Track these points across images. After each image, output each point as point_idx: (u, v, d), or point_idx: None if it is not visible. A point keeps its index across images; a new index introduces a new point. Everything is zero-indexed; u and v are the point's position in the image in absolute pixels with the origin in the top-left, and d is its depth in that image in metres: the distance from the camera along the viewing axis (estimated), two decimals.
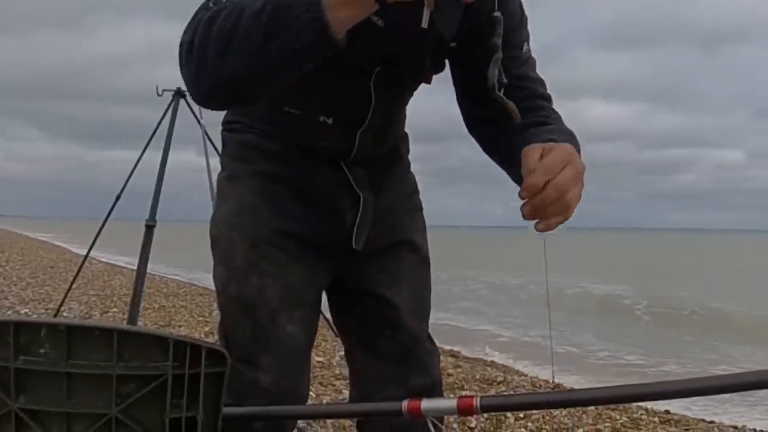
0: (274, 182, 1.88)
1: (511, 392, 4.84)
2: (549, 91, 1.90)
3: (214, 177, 5.03)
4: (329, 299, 2.06)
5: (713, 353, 9.10)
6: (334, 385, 4.82)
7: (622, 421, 4.30)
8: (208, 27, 1.42)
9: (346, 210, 1.91)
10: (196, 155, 5.70)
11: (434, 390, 1.98)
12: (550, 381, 6.13)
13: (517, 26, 1.84)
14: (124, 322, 5.21)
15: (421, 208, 2.14)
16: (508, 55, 1.73)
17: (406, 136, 2.11)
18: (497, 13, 1.64)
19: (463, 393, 4.35)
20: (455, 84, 1.92)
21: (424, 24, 1.62)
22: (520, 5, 1.88)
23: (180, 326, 7.21)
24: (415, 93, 2.00)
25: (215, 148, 5.75)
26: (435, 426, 1.52)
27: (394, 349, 1.97)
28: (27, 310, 7.34)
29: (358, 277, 1.98)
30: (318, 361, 5.60)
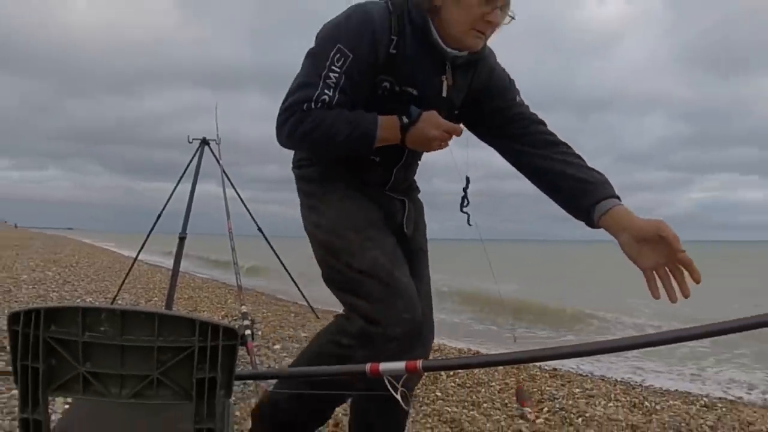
0: (350, 191, 1.88)
1: (444, 357, 4.83)
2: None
3: (229, 201, 4.94)
4: None
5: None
6: None
7: (522, 376, 4.31)
8: (304, 116, 1.66)
9: (396, 212, 1.96)
10: (216, 186, 5.76)
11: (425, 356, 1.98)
12: (472, 349, 6.13)
13: (508, 86, 1.92)
14: (163, 307, 5.13)
15: (425, 222, 2.14)
16: (508, 105, 1.88)
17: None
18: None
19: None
20: (488, 144, 1.94)
21: (445, 93, 1.79)
22: (506, 73, 1.94)
23: (203, 311, 7.12)
24: None
25: (230, 182, 5.78)
26: (389, 382, 1.51)
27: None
28: (91, 299, 7.22)
29: (407, 254, 1.94)
30: (304, 336, 5.54)
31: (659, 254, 1.53)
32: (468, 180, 1.94)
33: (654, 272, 1.55)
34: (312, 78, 1.66)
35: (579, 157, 1.81)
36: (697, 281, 1.50)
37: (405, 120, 1.67)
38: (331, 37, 1.67)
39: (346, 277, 1.79)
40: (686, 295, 1.49)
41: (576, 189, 1.72)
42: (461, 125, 1.81)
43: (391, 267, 1.76)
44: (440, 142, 1.70)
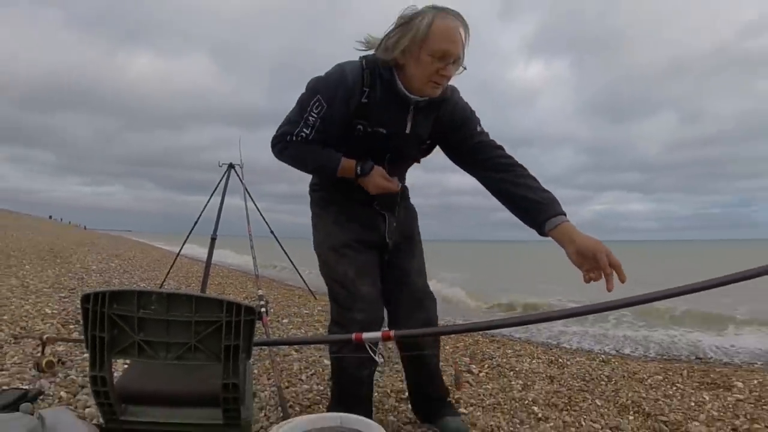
0: (340, 216, 1.92)
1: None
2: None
3: (249, 211, 4.88)
4: (381, 273, 2.00)
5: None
6: (315, 326, 4.75)
7: (468, 341, 4.32)
8: (288, 145, 1.76)
9: (380, 225, 1.93)
10: (239, 199, 5.73)
11: (431, 322, 1.99)
12: None
13: (469, 117, 1.84)
14: (199, 291, 5.09)
15: (416, 219, 2.11)
16: (470, 134, 1.82)
17: (406, 187, 2.07)
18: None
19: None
20: (455, 163, 1.89)
21: (408, 131, 1.77)
22: (468, 106, 1.86)
23: (229, 293, 7.05)
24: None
25: (250, 196, 5.75)
26: (370, 348, 1.52)
27: (409, 297, 1.96)
28: (144, 284, 7.11)
29: (391, 258, 1.97)
30: (305, 313, 5.51)
31: (594, 266, 1.50)
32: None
33: (589, 275, 1.52)
34: (297, 117, 1.73)
35: (532, 177, 1.75)
36: (622, 281, 1.47)
37: (359, 171, 1.76)
38: (314, 88, 1.71)
39: (326, 281, 1.92)
40: (609, 290, 1.44)
41: (531, 208, 1.67)
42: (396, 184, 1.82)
43: (355, 278, 1.83)
44: (380, 188, 1.78)
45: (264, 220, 6.20)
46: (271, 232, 6.30)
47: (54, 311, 3.98)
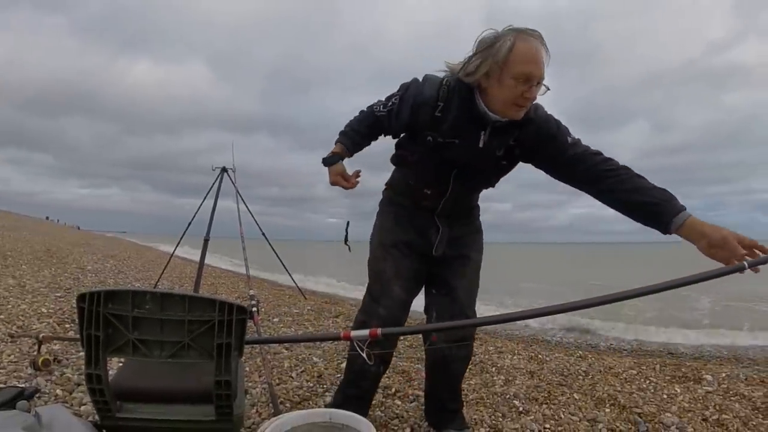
0: (399, 217, 1.94)
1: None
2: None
3: (242, 213, 4.84)
4: (426, 282, 1.99)
5: None
6: (304, 325, 4.73)
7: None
8: (361, 113, 1.85)
9: (431, 235, 1.90)
10: (232, 202, 5.73)
11: (465, 339, 1.95)
12: (417, 319, 6.14)
13: (555, 134, 1.68)
14: (192, 291, 5.04)
15: (481, 237, 2.04)
16: (562, 149, 1.67)
17: (477, 207, 2.03)
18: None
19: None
20: (560, 180, 1.73)
21: (481, 145, 1.68)
22: (553, 120, 1.71)
23: (222, 293, 6.99)
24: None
25: (242, 199, 5.74)
26: (357, 345, 1.52)
27: (450, 312, 1.90)
28: (139, 284, 7.03)
29: (439, 270, 1.93)
30: (295, 312, 5.49)
31: (728, 253, 1.45)
32: (348, 223, 2.12)
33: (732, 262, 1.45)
34: (381, 101, 1.81)
35: (640, 177, 1.61)
36: (764, 253, 1.43)
37: (323, 159, 1.81)
38: (400, 87, 1.76)
39: (369, 272, 1.97)
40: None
41: (652, 211, 1.55)
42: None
43: (392, 277, 1.87)
44: (334, 183, 1.80)
45: (256, 222, 6.17)
46: (263, 233, 6.27)
47: (50, 310, 3.92)
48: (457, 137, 1.69)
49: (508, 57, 1.51)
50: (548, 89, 1.57)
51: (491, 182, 1.89)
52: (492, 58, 1.54)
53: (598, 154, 1.66)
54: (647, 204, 1.55)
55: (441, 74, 1.71)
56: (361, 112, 1.86)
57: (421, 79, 1.72)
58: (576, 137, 1.71)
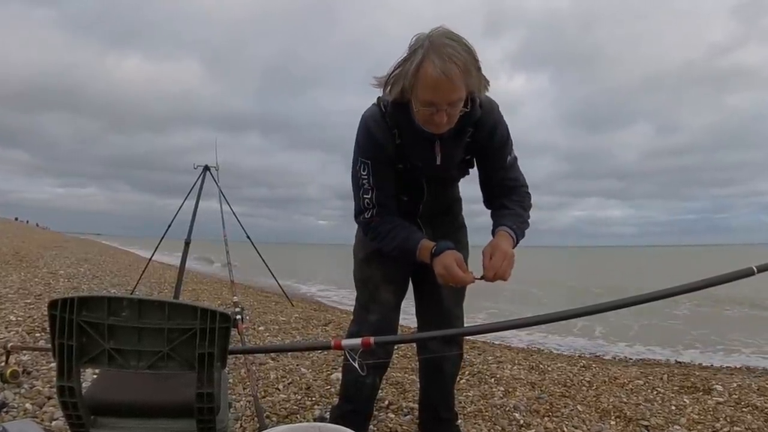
0: None
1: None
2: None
3: (225, 214, 4.83)
4: (413, 285, 2.05)
5: None
6: (292, 334, 4.72)
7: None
8: (371, 229, 1.80)
9: None
10: (215, 203, 5.73)
11: (454, 340, 2.05)
12: (412, 327, 6.15)
13: (503, 145, 1.78)
14: (172, 297, 5.02)
15: (464, 234, 2.08)
16: (501, 166, 1.81)
17: (458, 200, 2.06)
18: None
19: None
20: (479, 180, 1.90)
21: (438, 162, 1.75)
22: (506, 131, 1.78)
23: (204, 300, 6.97)
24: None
25: (225, 200, 5.72)
26: (349, 354, 1.51)
27: (437, 316, 1.98)
28: (115, 290, 6.99)
29: (425, 270, 1.85)
30: (282, 320, 5.47)
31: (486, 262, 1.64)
32: None
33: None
34: (356, 191, 1.78)
35: (514, 215, 1.80)
36: (486, 279, 1.63)
37: (433, 251, 1.69)
38: (355, 156, 1.76)
39: (355, 282, 2.02)
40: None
41: (495, 221, 1.79)
42: (472, 275, 1.69)
43: (379, 283, 1.92)
44: (445, 280, 1.67)
45: (240, 224, 6.16)
46: (247, 236, 6.26)
47: (19, 318, 3.89)
48: (417, 159, 1.75)
49: (414, 81, 1.52)
50: (467, 110, 1.60)
51: (464, 174, 1.95)
52: (403, 78, 1.54)
53: (516, 189, 1.84)
54: (497, 217, 1.81)
55: (372, 96, 1.73)
56: (367, 233, 1.85)
57: (361, 126, 1.72)
58: (515, 155, 1.84)
